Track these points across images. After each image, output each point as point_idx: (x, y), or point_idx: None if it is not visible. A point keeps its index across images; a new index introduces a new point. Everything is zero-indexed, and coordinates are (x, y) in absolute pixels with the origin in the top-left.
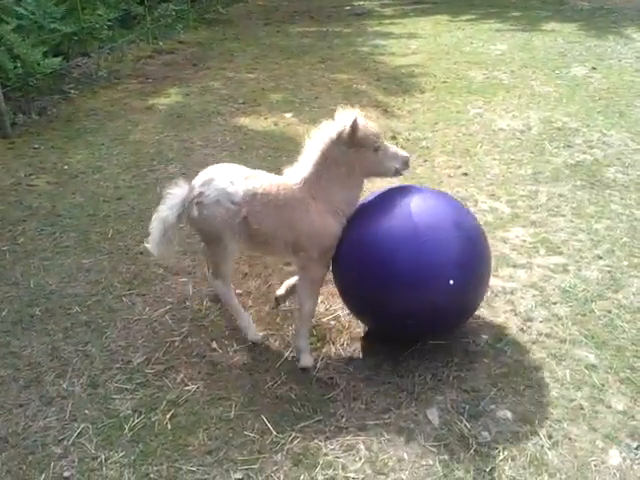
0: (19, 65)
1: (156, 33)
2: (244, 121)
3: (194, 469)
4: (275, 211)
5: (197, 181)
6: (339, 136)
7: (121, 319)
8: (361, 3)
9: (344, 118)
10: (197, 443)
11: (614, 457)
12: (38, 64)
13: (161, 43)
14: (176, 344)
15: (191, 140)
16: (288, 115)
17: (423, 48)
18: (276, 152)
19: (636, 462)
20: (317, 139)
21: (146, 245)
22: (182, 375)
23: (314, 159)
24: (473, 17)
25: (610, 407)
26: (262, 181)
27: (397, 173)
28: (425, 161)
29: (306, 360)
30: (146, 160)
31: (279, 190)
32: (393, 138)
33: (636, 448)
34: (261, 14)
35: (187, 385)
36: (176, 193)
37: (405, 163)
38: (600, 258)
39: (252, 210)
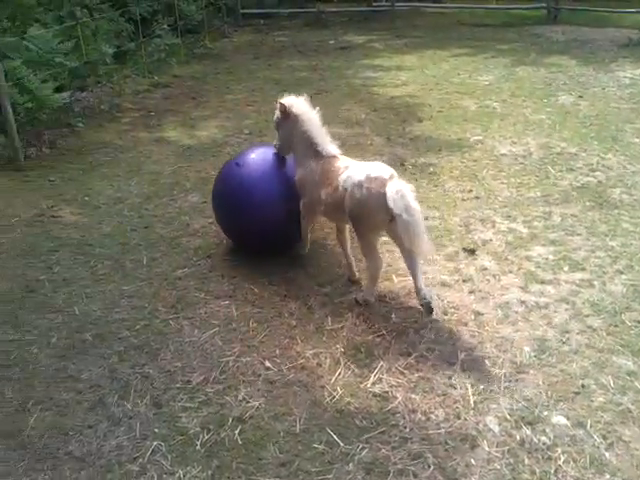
0: (30, 99)
1: (151, 67)
2: None
3: None
4: None
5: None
6: None
7: (172, 342)
8: (344, 38)
9: None
10: (270, 456)
11: None
12: (48, 98)
13: (156, 77)
14: (230, 364)
15: (206, 170)
16: None
17: (413, 80)
18: None
19: None
20: None
21: None
22: (242, 393)
23: None
24: (455, 52)
25: None
26: None
27: None
28: (435, 186)
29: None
30: (165, 190)
31: None
32: (401, 165)
33: None
34: (249, 49)
35: (249, 402)
36: None
37: None
38: (621, 273)
39: None
